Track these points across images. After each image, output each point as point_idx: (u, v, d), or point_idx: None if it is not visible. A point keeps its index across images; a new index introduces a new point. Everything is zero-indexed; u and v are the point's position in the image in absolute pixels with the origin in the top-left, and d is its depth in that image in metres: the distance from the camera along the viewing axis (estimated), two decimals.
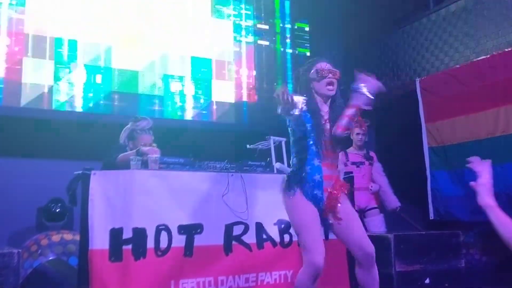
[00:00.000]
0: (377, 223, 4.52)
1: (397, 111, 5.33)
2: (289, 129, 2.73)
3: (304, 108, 2.58)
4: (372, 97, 2.55)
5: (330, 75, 2.66)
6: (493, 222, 1.57)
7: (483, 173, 1.67)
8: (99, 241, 2.74)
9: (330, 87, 2.66)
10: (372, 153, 4.72)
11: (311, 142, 2.63)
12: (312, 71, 2.69)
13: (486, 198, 1.61)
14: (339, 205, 2.61)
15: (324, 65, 2.70)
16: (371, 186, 4.57)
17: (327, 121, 2.64)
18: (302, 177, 2.61)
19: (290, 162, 2.75)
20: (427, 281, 3.57)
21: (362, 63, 6.04)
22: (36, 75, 4.49)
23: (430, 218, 5.00)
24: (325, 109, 2.69)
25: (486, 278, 4.16)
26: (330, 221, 2.65)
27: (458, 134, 4.88)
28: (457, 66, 4.94)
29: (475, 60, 4.76)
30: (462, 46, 5.03)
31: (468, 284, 3.77)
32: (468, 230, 4.48)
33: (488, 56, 4.60)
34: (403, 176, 4.85)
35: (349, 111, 2.55)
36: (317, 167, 2.61)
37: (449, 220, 4.81)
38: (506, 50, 4.47)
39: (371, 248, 2.59)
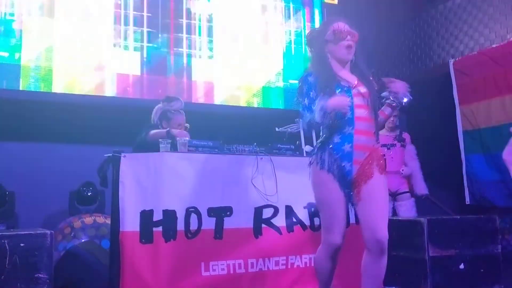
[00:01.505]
0: (408, 207, 4.42)
1: (430, 93, 5.18)
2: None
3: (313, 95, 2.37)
4: (404, 101, 2.48)
5: (349, 37, 2.42)
6: None
7: None
8: (130, 223, 2.77)
9: (349, 50, 2.43)
10: (405, 135, 4.59)
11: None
12: (328, 32, 2.45)
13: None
14: (368, 181, 2.37)
15: (341, 26, 2.44)
16: (403, 170, 4.46)
17: (356, 85, 2.42)
18: (330, 148, 2.39)
19: (320, 134, 2.52)
20: (461, 266, 3.48)
21: (393, 44, 5.90)
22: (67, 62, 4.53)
23: (467, 203, 4.87)
24: (344, 74, 2.45)
25: None
26: (355, 199, 2.42)
27: (493, 116, 4.72)
28: (493, 46, 4.76)
29: (511, 39, 4.57)
30: (498, 25, 4.84)
31: (505, 270, 3.66)
32: (503, 215, 4.35)
33: None
34: (436, 160, 4.73)
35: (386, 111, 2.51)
36: (348, 136, 2.37)
37: (484, 205, 4.68)
38: None
39: (383, 235, 2.35)
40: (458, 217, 3.88)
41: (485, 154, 4.77)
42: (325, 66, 2.44)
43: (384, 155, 2.54)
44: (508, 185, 4.46)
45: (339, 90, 2.37)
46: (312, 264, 3.16)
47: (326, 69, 2.43)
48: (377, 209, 2.39)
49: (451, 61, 5.09)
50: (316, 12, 5.72)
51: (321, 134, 2.49)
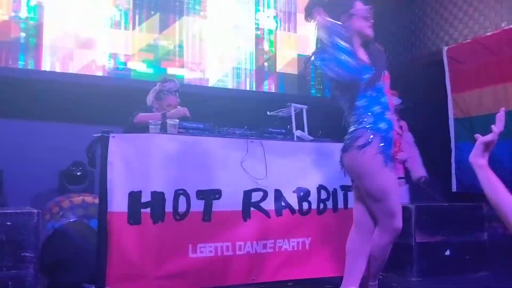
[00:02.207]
0: (402, 193, 4.45)
1: (423, 80, 5.18)
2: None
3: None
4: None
5: (371, 19, 2.49)
6: (481, 182, 1.48)
7: (494, 130, 1.56)
8: (118, 204, 2.76)
9: (371, 27, 2.46)
10: (402, 123, 4.60)
11: (375, 94, 2.38)
12: (356, 7, 2.45)
13: (479, 157, 1.51)
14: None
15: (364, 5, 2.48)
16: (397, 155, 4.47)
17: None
18: (382, 136, 2.38)
19: (352, 120, 2.48)
20: (447, 252, 3.53)
21: (388, 30, 5.86)
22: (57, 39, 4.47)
23: (453, 191, 4.91)
24: (361, 53, 2.46)
25: (509, 252, 4.09)
26: None
27: (485, 105, 4.72)
28: (487, 34, 4.75)
29: (506, 27, 4.55)
30: (493, 13, 4.82)
31: (490, 258, 3.71)
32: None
33: None
34: (427, 147, 4.74)
35: None
36: (389, 121, 2.41)
37: (473, 193, 4.71)
38: None
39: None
40: (446, 204, 3.92)
41: (475, 143, 4.79)
42: (347, 41, 2.37)
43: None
44: (497, 172, 4.48)
45: (368, 74, 2.39)
46: (300, 248, 3.20)
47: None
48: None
49: (445, 49, 5.07)
50: None
51: (359, 119, 2.46)
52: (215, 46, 5.08)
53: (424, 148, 4.68)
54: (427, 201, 4.04)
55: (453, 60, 4.99)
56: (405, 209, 3.51)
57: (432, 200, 4.23)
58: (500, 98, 4.57)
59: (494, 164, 4.28)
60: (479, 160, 1.51)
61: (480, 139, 1.54)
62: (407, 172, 4.59)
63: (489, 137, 1.53)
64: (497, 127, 1.54)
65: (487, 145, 1.53)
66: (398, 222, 2.45)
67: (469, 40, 4.93)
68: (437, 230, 3.56)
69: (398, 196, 2.48)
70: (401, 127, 4.54)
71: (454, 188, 4.92)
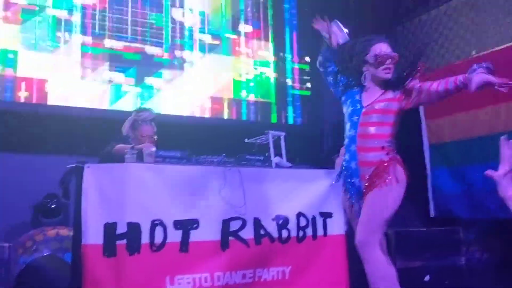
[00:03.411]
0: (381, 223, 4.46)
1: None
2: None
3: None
4: None
5: (389, 61, 2.52)
6: None
7: (506, 160, 1.56)
8: (93, 235, 2.69)
9: (387, 71, 2.54)
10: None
11: (348, 127, 2.58)
12: (369, 54, 2.54)
13: (508, 190, 1.49)
14: (370, 193, 2.48)
15: (383, 48, 2.54)
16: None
17: (376, 102, 2.55)
18: (344, 167, 2.59)
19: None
20: (427, 278, 3.53)
21: None
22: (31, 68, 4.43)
23: (431, 216, 4.95)
24: (374, 92, 2.57)
25: (486, 276, 4.11)
26: None
27: (458, 131, 4.83)
28: (458, 62, 4.89)
29: (475, 55, 4.70)
30: (463, 42, 4.98)
31: (469, 282, 3.73)
32: (468, 228, 4.43)
33: (489, 51, 4.55)
34: None
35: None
36: (353, 153, 2.53)
37: (449, 217, 4.76)
38: (508, 45, 4.41)
39: (357, 239, 2.51)
40: (424, 229, 3.95)
41: (449, 168, 4.87)
42: (357, 84, 2.62)
43: (393, 166, 2.53)
44: (472, 197, 4.56)
45: (352, 108, 2.59)
46: (279, 278, 3.16)
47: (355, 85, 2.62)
48: (363, 217, 2.52)
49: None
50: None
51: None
52: (193, 74, 5.10)
53: None
54: (404, 226, 4.06)
55: None
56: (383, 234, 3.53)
57: (409, 225, 4.25)
58: (472, 124, 4.68)
59: (469, 188, 4.32)
60: (510, 193, 1.50)
61: (498, 173, 1.54)
62: None
63: (505, 168, 1.54)
64: (507, 157, 1.55)
65: (506, 175, 1.52)
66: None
67: (441, 68, 5.07)
68: (416, 255, 3.57)
69: (354, 223, 2.61)
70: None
71: (432, 213, 4.97)
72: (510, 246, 4.08)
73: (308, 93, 5.68)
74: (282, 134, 3.77)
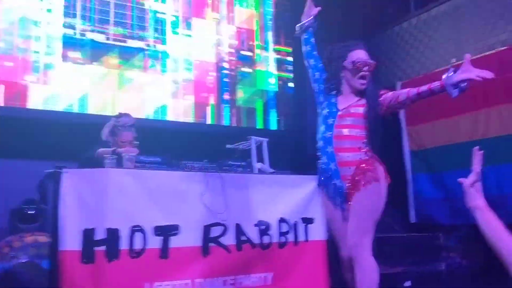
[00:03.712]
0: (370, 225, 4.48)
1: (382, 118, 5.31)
2: (318, 110, 2.73)
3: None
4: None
5: (366, 68, 2.58)
6: (481, 224, 1.46)
7: (474, 169, 1.58)
8: (71, 242, 2.64)
9: (363, 81, 2.59)
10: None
11: (323, 129, 2.62)
12: (347, 59, 2.60)
13: (474, 200, 1.50)
14: (354, 196, 2.51)
15: (361, 55, 2.60)
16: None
17: (351, 106, 2.60)
18: (322, 169, 2.61)
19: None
20: (408, 283, 3.55)
21: None
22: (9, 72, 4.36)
23: (411, 222, 4.99)
24: (349, 97, 2.63)
25: (466, 282, 4.16)
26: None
27: (438, 137, 4.89)
28: (438, 69, 4.96)
29: (455, 63, 4.77)
30: (442, 50, 5.06)
31: (449, 287, 3.76)
32: (448, 234, 4.48)
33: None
34: None
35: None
36: (331, 154, 2.56)
37: (429, 223, 4.81)
38: (486, 54, 4.49)
39: (350, 242, 2.53)
40: (405, 235, 3.98)
41: (430, 174, 4.93)
42: (336, 86, 2.67)
43: (373, 164, 2.57)
44: (452, 203, 4.61)
45: (328, 110, 2.64)
46: (261, 284, 3.14)
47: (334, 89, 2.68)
48: (353, 220, 2.54)
49: (399, 83, 5.25)
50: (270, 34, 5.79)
51: None
52: (175, 79, 5.07)
53: None
54: (385, 231, 4.08)
55: None
56: None
57: (390, 231, 4.28)
58: (452, 131, 4.76)
59: (449, 194, 4.34)
60: (476, 202, 1.51)
61: (466, 183, 1.55)
62: None
63: (473, 178, 1.55)
64: (477, 166, 1.57)
65: (473, 186, 1.54)
66: (341, 251, 2.64)
67: (421, 76, 5.14)
68: (397, 261, 3.59)
69: (336, 227, 2.64)
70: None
71: (412, 219, 5.01)
72: (490, 252, 4.12)
73: (291, 98, 5.70)
74: (265, 139, 3.77)
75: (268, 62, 5.71)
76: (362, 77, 2.59)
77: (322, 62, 2.77)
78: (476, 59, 4.53)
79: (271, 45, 5.77)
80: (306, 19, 2.84)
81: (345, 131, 2.57)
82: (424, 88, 2.41)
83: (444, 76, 2.32)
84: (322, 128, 2.65)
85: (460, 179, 1.59)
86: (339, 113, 2.61)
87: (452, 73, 2.30)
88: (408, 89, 2.54)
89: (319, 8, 2.84)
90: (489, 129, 4.44)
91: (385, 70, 5.71)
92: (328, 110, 2.63)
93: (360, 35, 5.98)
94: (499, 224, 1.40)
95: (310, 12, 2.86)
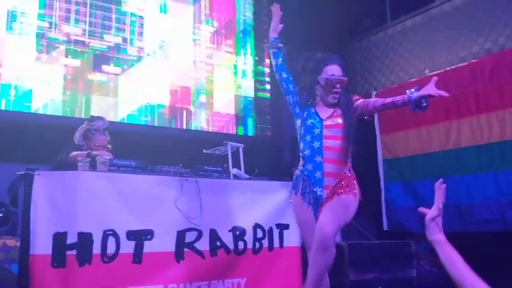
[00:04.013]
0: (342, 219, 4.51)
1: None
2: (296, 122, 2.76)
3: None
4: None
5: (338, 85, 2.64)
6: (441, 258, 1.51)
7: (435, 205, 1.61)
8: (41, 245, 2.60)
9: (335, 95, 2.66)
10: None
11: (309, 139, 2.63)
12: (321, 75, 2.66)
13: (435, 233, 1.54)
14: (333, 198, 2.55)
15: (335, 71, 2.66)
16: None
17: (332, 117, 2.64)
18: (305, 175, 2.62)
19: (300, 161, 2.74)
20: None
21: None
22: None
23: (384, 229, 5.06)
24: (324, 110, 2.67)
25: None
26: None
27: (411, 146, 4.98)
28: (412, 80, 5.06)
29: (428, 74, 4.88)
30: (417, 61, 5.16)
31: None
32: (420, 241, 4.55)
33: (441, 71, 4.73)
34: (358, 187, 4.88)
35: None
36: (319, 164, 2.59)
37: (402, 231, 4.88)
38: (459, 65, 4.61)
39: (326, 230, 2.47)
40: (377, 242, 4.03)
41: (402, 182, 5.01)
42: (310, 97, 2.71)
43: (354, 182, 2.65)
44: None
45: (311, 120, 2.65)
46: None
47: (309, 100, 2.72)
48: (326, 210, 2.54)
49: (374, 93, 5.33)
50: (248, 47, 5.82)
51: (299, 162, 2.73)
52: (151, 84, 5.03)
53: None
54: (358, 239, 4.14)
55: None
56: (337, 247, 3.57)
57: (363, 238, 4.34)
58: (424, 140, 4.85)
59: (420, 203, 4.41)
60: (436, 236, 1.53)
61: (427, 217, 1.57)
62: None
63: (434, 212, 1.57)
64: (439, 200, 1.59)
65: (435, 220, 1.56)
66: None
67: (395, 85, 5.23)
68: (369, 268, 3.63)
69: (310, 231, 2.58)
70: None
71: (385, 227, 5.08)
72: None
73: (268, 105, 5.72)
74: (241, 145, 3.78)
75: (246, 68, 5.73)
76: (335, 93, 2.65)
77: (298, 70, 2.82)
78: (449, 70, 4.68)
79: (248, 51, 5.79)
80: (273, 34, 2.92)
81: (334, 143, 2.60)
82: (388, 100, 2.55)
83: (407, 92, 2.48)
84: (308, 137, 2.65)
85: (421, 209, 1.62)
86: (325, 122, 2.64)
87: (414, 90, 2.46)
88: (376, 99, 2.68)
89: (282, 25, 2.95)
90: (460, 139, 4.54)
91: (361, 79, 5.79)
92: (311, 120, 2.66)
93: (338, 44, 6.07)
94: (459, 258, 1.46)
95: (277, 28, 2.93)
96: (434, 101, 4.53)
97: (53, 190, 2.67)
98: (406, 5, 5.44)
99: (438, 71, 4.74)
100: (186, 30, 5.37)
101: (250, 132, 5.61)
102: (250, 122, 5.64)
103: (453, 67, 4.66)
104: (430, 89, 2.39)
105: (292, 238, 3.36)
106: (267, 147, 5.49)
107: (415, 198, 4.85)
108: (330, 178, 2.58)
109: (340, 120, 2.64)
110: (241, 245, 3.21)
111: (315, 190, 2.59)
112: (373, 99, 2.69)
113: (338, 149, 2.60)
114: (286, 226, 3.36)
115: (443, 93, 2.35)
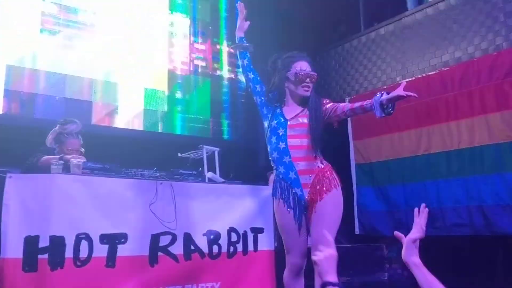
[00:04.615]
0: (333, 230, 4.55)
1: (326, 128, 5.46)
2: (264, 123, 2.75)
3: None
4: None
5: (308, 79, 2.66)
6: (419, 280, 1.55)
7: (417, 228, 1.64)
8: (12, 249, 2.54)
9: (306, 89, 2.67)
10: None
11: (275, 140, 2.64)
12: (290, 71, 2.67)
13: (413, 256, 1.58)
14: (316, 204, 2.55)
15: (303, 67, 2.68)
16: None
17: (298, 116, 2.65)
18: (280, 178, 2.63)
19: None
20: None
21: None
22: None
23: (356, 233, 5.12)
24: (294, 108, 2.68)
25: None
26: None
27: (383, 152, 5.07)
28: (384, 87, 5.16)
29: (400, 81, 4.97)
30: (389, 68, 5.27)
31: None
32: (391, 245, 4.63)
33: (413, 78, 4.84)
34: None
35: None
36: (289, 164, 2.60)
37: (373, 235, 4.96)
38: (430, 73, 4.73)
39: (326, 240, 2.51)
40: (349, 245, 4.08)
41: (374, 187, 5.09)
42: (279, 97, 2.73)
43: (330, 172, 2.65)
44: (394, 215, 4.79)
45: (276, 121, 2.67)
46: None
47: (278, 100, 2.74)
48: (320, 229, 2.48)
49: (347, 99, 5.42)
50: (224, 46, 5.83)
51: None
52: (126, 85, 4.99)
53: None
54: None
55: None
56: (309, 250, 3.61)
57: (336, 242, 4.37)
58: (396, 146, 4.95)
59: (392, 207, 4.48)
60: (413, 259, 1.57)
61: (408, 237, 1.59)
62: None
63: (417, 234, 1.60)
64: (422, 222, 1.63)
65: (415, 242, 1.59)
66: (293, 258, 2.64)
67: (368, 92, 5.32)
68: (341, 271, 3.67)
69: (292, 234, 2.62)
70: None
71: (356, 230, 5.15)
72: (429, 263, 4.30)
73: (242, 108, 5.74)
74: (217, 149, 3.79)
75: (222, 71, 5.74)
76: (305, 87, 2.67)
77: (268, 69, 2.83)
78: (420, 78, 4.79)
79: (224, 54, 5.80)
80: (239, 34, 2.94)
81: (302, 141, 2.61)
82: (357, 105, 2.54)
83: (376, 95, 2.46)
84: (273, 139, 2.66)
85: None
86: (289, 123, 2.65)
87: (380, 95, 2.44)
88: (345, 104, 2.70)
89: (248, 23, 2.97)
90: (431, 145, 4.65)
91: (335, 85, 5.88)
92: (276, 121, 2.66)
93: (312, 51, 6.14)
94: (434, 279, 1.51)
95: (243, 26, 2.95)
96: (406, 108, 4.70)
97: (25, 193, 2.63)
98: (379, 14, 5.56)
99: (410, 79, 4.85)
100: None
101: (226, 135, 5.62)
102: (225, 125, 5.65)
103: (424, 75, 4.78)
104: (399, 91, 2.38)
105: (266, 242, 3.38)
106: (242, 150, 5.50)
107: (386, 202, 4.94)
108: (305, 176, 2.59)
109: (305, 120, 2.65)
110: (215, 249, 3.20)
111: (294, 191, 2.59)
112: (342, 104, 2.70)
113: (304, 147, 2.61)
114: (261, 230, 3.37)
115: (411, 94, 2.36)
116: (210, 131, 5.50)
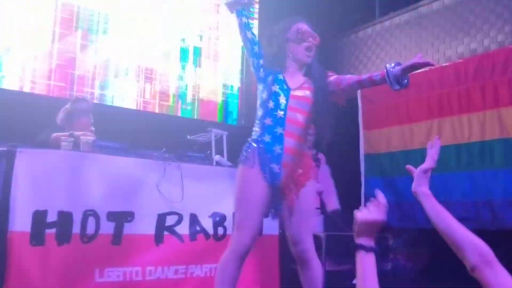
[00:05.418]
0: (316, 223, 4.56)
1: (337, 117, 5.43)
2: (258, 86, 2.47)
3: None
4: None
5: (311, 38, 2.45)
6: (427, 211, 1.49)
7: (429, 158, 1.59)
8: (20, 223, 2.58)
9: (309, 53, 2.44)
10: (320, 155, 4.73)
11: (272, 106, 2.37)
12: (290, 31, 2.45)
13: (422, 186, 1.53)
14: (299, 192, 2.36)
15: (304, 27, 2.47)
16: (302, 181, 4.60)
17: (301, 88, 2.42)
18: (260, 148, 2.34)
19: (253, 129, 2.45)
20: (355, 281, 3.65)
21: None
22: None
23: None
24: (297, 77, 2.45)
25: (409, 282, 4.32)
26: (283, 207, 2.38)
27: (392, 143, 5.04)
28: None
29: (413, 73, 4.93)
30: (402, 58, 5.22)
31: (394, 287, 3.90)
32: (397, 236, 4.63)
33: (426, 69, 4.78)
34: (338, 180, 4.94)
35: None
36: (279, 136, 2.34)
37: None
38: (443, 65, 4.68)
39: (304, 248, 2.38)
40: (354, 234, 4.08)
41: (382, 177, 5.08)
42: (279, 64, 2.45)
43: (311, 162, 2.46)
44: (402, 207, 4.78)
45: (278, 86, 2.39)
46: (212, 274, 3.16)
47: (278, 65, 2.45)
48: (303, 221, 2.39)
49: None
50: None
51: (253, 129, 2.46)
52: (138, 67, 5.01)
53: (336, 181, 4.87)
54: (338, 231, 4.19)
55: (366, 99, 5.31)
56: (315, 237, 3.62)
57: (342, 231, 4.39)
58: (406, 137, 4.92)
59: (399, 199, 4.44)
60: (423, 189, 1.52)
61: (420, 167, 1.55)
62: (322, 203, 4.74)
63: (429, 164, 1.56)
64: (435, 154, 1.59)
65: (426, 173, 1.55)
66: (243, 237, 2.31)
67: None
68: (345, 259, 3.69)
69: (254, 211, 2.33)
70: (319, 160, 4.68)
71: None
72: (433, 255, 4.31)
73: (252, 94, 5.72)
74: (225, 133, 3.80)
75: (233, 56, 5.73)
76: (308, 49, 2.44)
77: (265, 40, 2.59)
78: (433, 69, 4.73)
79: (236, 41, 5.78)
80: None
81: (300, 117, 2.37)
82: (365, 76, 2.32)
83: (386, 65, 2.22)
84: (271, 104, 2.38)
85: (409, 166, 1.62)
86: (292, 92, 2.40)
87: (394, 64, 2.22)
88: (351, 76, 2.45)
89: None
90: (441, 138, 4.60)
91: (346, 73, 5.82)
92: (279, 87, 2.40)
93: (324, 38, 6.09)
94: (445, 211, 1.45)
95: None
96: (418, 99, 4.65)
97: (34, 168, 2.65)
98: (395, 2, 5.48)
99: (423, 69, 4.79)
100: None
101: (234, 120, 5.63)
102: (234, 110, 5.65)
103: (437, 66, 4.73)
104: (416, 58, 2.17)
105: (270, 226, 3.39)
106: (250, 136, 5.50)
107: (394, 194, 4.92)
108: (289, 155, 2.35)
109: (309, 93, 2.41)
110: (220, 230, 3.23)
111: (272, 166, 2.32)
112: (348, 75, 2.44)
113: (301, 123, 2.37)
114: (265, 215, 3.38)
115: (429, 61, 2.17)
116: (219, 115, 5.51)
